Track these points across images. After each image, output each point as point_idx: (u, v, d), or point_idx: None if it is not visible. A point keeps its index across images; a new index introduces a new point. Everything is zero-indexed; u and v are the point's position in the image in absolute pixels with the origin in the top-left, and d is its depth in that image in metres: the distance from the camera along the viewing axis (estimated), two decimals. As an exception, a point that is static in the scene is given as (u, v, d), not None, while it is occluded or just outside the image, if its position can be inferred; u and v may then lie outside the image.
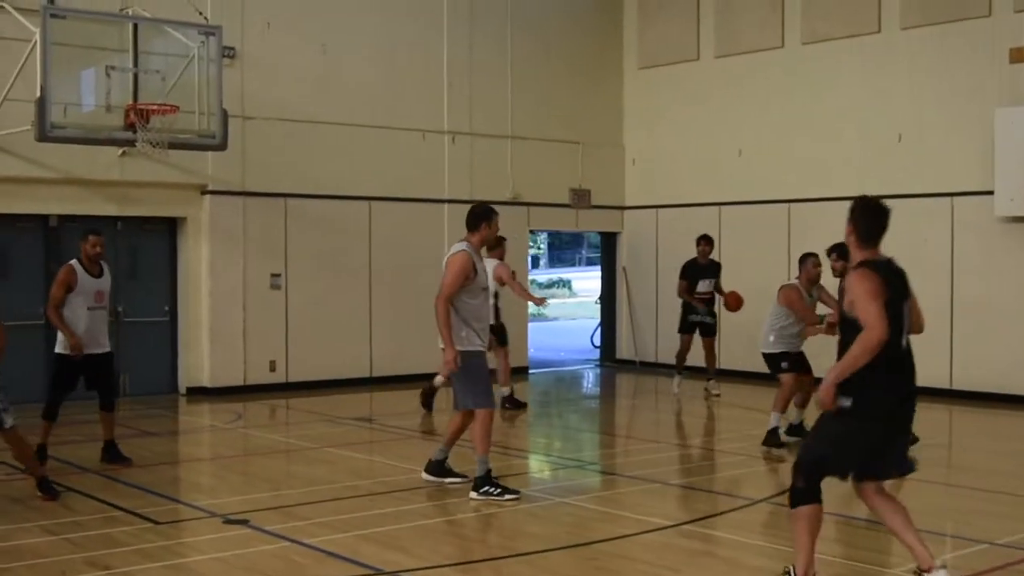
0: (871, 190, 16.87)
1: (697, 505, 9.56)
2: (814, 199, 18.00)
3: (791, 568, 6.59)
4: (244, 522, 8.67)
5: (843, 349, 6.39)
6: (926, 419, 11.41)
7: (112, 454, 11.10)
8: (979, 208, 16.05)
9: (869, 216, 6.59)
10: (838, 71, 18.07)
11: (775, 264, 18.21)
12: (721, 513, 9.26)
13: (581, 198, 20.67)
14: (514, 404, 15.31)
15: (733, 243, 18.96)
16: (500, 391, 14.86)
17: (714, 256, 17.20)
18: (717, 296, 16.87)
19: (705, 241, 16.95)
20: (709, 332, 16.94)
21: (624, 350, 21.42)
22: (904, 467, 6.72)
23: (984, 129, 16.04)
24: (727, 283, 16.86)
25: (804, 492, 6.46)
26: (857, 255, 6.58)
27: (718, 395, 16.72)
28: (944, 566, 6.66)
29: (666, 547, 8.12)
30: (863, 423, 6.35)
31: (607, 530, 8.59)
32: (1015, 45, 15.93)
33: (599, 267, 22.96)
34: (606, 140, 21.12)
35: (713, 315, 16.89)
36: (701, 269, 16.90)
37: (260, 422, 14.90)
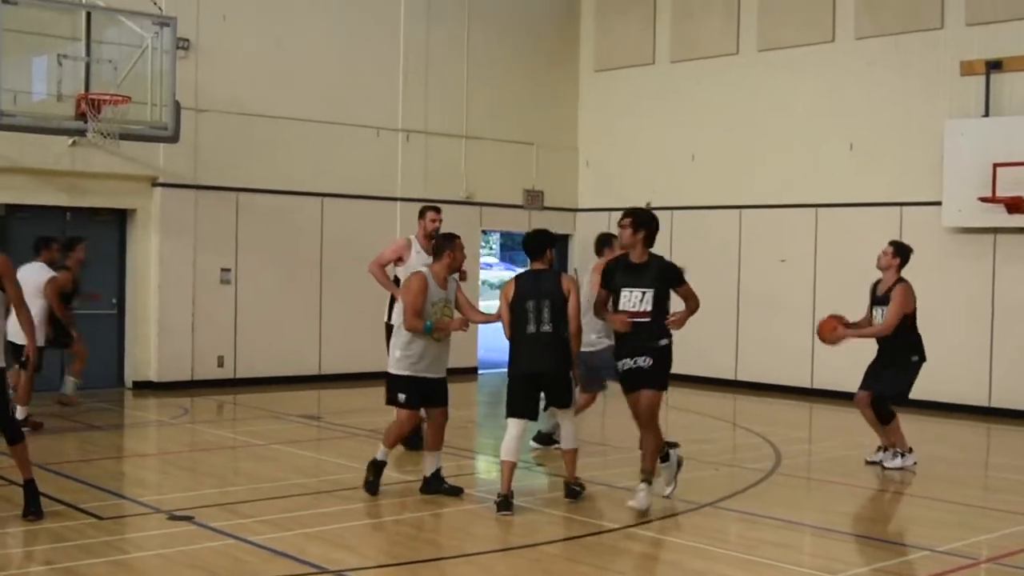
0: (822, 198, 17.44)
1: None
2: (766, 205, 18.13)
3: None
4: (189, 518, 8.61)
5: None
6: (866, 427, 11.52)
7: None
8: (927, 218, 16.21)
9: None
10: (792, 79, 18.21)
11: (726, 270, 18.34)
12: (668, 516, 9.31)
13: (534, 199, 20.68)
14: None
15: (685, 248, 19.04)
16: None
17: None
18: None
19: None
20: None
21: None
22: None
23: (934, 140, 16.22)
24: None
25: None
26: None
27: None
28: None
29: (611, 550, 8.15)
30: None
31: (553, 532, 8.61)
32: (966, 58, 16.15)
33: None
34: (560, 142, 21.14)
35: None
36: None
37: (207, 418, 14.79)
